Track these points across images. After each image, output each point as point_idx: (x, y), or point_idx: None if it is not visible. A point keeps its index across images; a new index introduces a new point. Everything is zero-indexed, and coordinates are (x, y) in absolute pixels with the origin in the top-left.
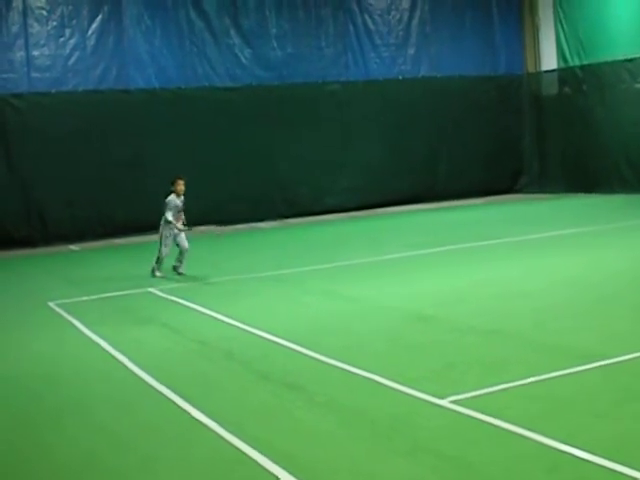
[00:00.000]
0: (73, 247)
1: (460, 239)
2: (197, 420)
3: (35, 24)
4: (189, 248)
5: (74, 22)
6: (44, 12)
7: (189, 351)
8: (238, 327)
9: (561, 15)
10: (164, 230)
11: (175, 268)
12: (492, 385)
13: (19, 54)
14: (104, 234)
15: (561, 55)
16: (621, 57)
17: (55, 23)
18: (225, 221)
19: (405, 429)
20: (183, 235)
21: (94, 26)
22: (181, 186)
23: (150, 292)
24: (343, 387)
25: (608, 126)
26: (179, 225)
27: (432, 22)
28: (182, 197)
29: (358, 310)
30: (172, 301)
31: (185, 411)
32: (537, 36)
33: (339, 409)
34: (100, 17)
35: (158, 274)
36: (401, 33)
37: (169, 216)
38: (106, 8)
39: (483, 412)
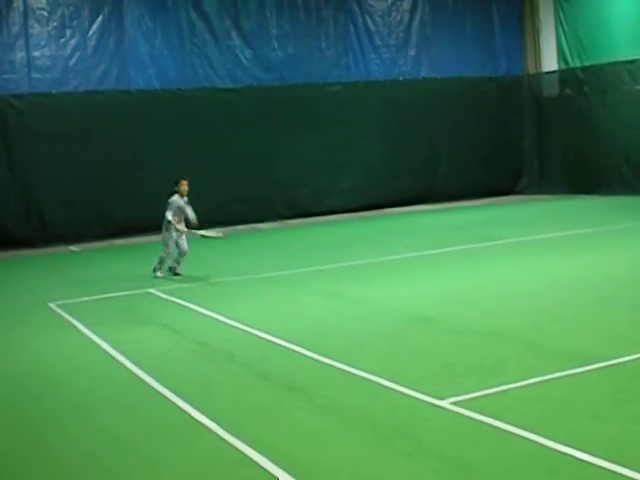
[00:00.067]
0: (73, 248)
1: (460, 240)
2: (197, 421)
3: (36, 25)
4: (188, 251)
5: (75, 23)
6: (45, 13)
7: (189, 352)
8: (238, 328)
9: (562, 16)
10: (167, 230)
11: (171, 269)
12: (492, 386)
13: (20, 55)
14: (104, 235)
15: (562, 56)
16: (622, 58)
17: (56, 24)
18: (225, 222)
19: (405, 430)
20: (184, 237)
21: (95, 27)
22: (185, 187)
23: (150, 293)
24: (343, 388)
25: (609, 127)
26: (179, 226)
27: (433, 23)
28: (186, 198)
29: (358, 311)
30: (172, 302)
31: (185, 412)
32: (538, 37)
33: (339, 410)
34: (101, 18)
35: (159, 274)
36: (402, 34)
37: (169, 216)
38: (107, 9)
39: (483, 413)
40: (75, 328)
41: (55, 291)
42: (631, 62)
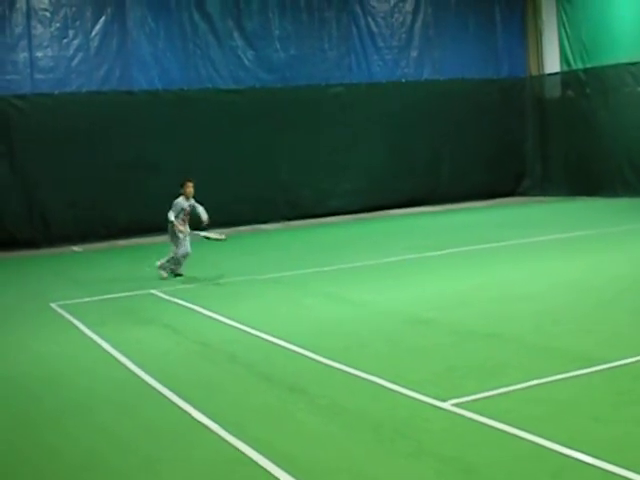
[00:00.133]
0: (76, 248)
1: (462, 242)
2: (198, 421)
3: (38, 25)
4: (191, 252)
5: (77, 23)
6: (47, 13)
7: (191, 353)
8: (240, 329)
9: (564, 18)
10: (171, 231)
11: (173, 269)
12: (493, 388)
13: (22, 55)
14: (107, 235)
15: (564, 58)
16: (624, 60)
17: (58, 24)
18: (228, 223)
19: (407, 432)
20: (187, 238)
21: (97, 27)
22: (190, 188)
23: (152, 294)
24: (345, 389)
25: (611, 129)
26: (180, 227)
27: (435, 25)
28: (192, 200)
29: (359, 312)
30: (174, 303)
31: (186, 412)
32: (540, 39)
33: (341, 411)
34: (103, 19)
35: (164, 274)
36: (404, 36)
37: (171, 216)
38: (109, 10)
39: (485, 415)
40: (77, 328)
41: (57, 291)
42: (633, 64)
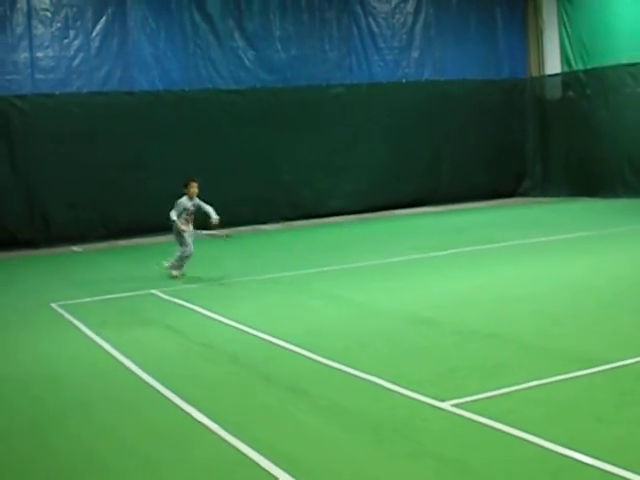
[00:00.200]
0: (76, 248)
1: (463, 242)
2: (199, 422)
3: (39, 25)
4: (194, 252)
5: (78, 24)
6: (48, 14)
7: (192, 353)
8: (241, 329)
9: (565, 19)
10: (175, 231)
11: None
12: (494, 389)
13: (23, 55)
14: (107, 236)
15: (565, 59)
16: (625, 61)
17: (59, 25)
18: (228, 223)
19: (407, 432)
20: (191, 238)
21: (98, 28)
22: (194, 188)
23: (153, 294)
24: (345, 389)
25: (612, 130)
26: (182, 226)
27: (436, 26)
28: (196, 200)
29: (360, 313)
30: (175, 303)
31: (187, 413)
32: (541, 40)
33: (341, 412)
34: (104, 19)
35: (175, 273)
36: (405, 36)
37: (173, 215)
38: (110, 10)
39: (485, 416)
40: (77, 329)
41: (58, 292)
42: (634, 65)
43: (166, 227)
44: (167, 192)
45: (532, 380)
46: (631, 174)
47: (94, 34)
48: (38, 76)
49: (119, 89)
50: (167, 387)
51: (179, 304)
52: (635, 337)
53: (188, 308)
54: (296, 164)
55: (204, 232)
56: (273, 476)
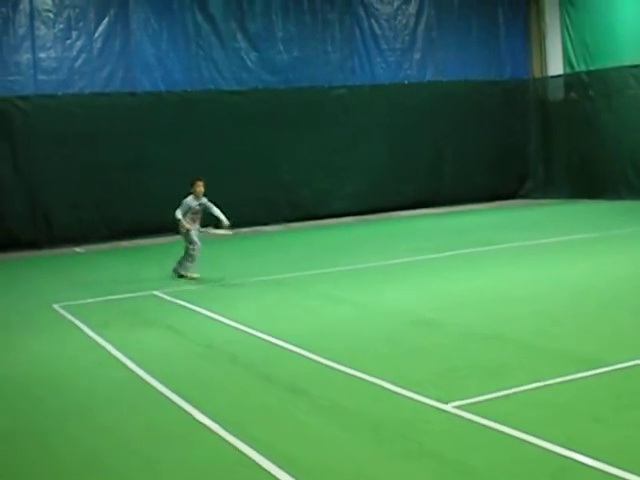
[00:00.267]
0: (78, 249)
1: (464, 244)
2: (200, 422)
3: (42, 26)
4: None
5: (81, 25)
6: (51, 15)
7: (193, 354)
8: (242, 330)
9: (567, 21)
10: (181, 231)
11: (175, 270)
12: (495, 390)
13: (26, 56)
14: (109, 236)
15: (567, 60)
16: (627, 63)
17: (62, 25)
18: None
19: (408, 433)
20: (197, 237)
21: (101, 29)
22: (200, 188)
23: (155, 295)
24: (346, 390)
25: (614, 132)
26: (187, 226)
27: (438, 27)
28: (202, 199)
29: (361, 314)
30: (177, 304)
31: (188, 413)
32: (543, 41)
33: (342, 412)
34: (107, 20)
35: (189, 274)
36: (407, 38)
37: (178, 214)
38: (112, 11)
39: (486, 417)
40: (79, 329)
41: (60, 292)
42: (636, 67)
43: (169, 228)
44: (170, 193)
45: (532, 382)
46: (634, 176)
47: (96, 35)
48: (40, 77)
49: (121, 90)
50: (168, 387)
51: (180, 305)
52: (635, 339)
53: (189, 309)
54: (297, 165)
55: (209, 230)
56: (273, 476)
